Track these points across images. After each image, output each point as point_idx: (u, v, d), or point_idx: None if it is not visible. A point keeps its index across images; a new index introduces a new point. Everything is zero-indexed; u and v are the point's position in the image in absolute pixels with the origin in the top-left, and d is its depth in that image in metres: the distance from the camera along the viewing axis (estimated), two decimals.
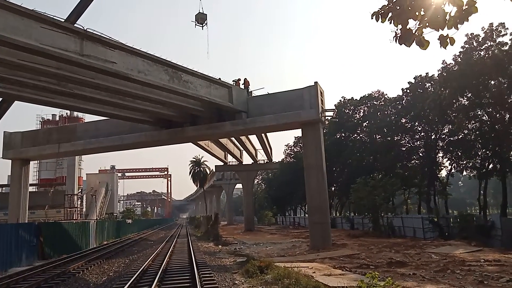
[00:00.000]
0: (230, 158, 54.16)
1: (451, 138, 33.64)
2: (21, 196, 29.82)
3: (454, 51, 29.85)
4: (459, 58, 27.96)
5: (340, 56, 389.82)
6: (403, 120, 37.16)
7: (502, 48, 25.80)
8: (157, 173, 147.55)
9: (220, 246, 26.93)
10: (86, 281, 14.12)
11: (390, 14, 4.62)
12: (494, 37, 26.48)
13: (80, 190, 63.05)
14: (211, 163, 75.19)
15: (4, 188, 53.91)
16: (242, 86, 26.12)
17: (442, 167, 37.44)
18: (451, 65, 29.02)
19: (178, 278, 12.97)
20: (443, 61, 29.85)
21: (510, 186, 47.63)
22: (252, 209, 56.14)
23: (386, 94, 42.92)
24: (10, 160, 30.70)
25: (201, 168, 58.41)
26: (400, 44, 4.68)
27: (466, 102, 28.62)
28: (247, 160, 54.06)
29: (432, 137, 35.65)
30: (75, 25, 16.21)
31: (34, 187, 57.77)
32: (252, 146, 49.25)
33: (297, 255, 20.09)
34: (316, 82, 23.66)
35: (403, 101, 37.66)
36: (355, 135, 44.38)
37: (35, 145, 29.98)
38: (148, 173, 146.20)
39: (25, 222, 27.84)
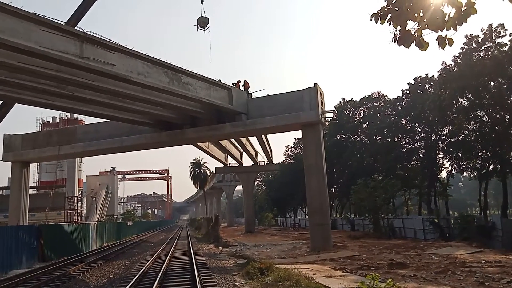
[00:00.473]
0: (230, 160, 54.16)
1: (451, 139, 33.66)
2: (21, 199, 29.80)
3: (453, 52, 29.88)
4: (458, 59, 27.99)
5: (340, 58, 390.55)
6: (403, 121, 37.20)
7: (502, 49, 25.82)
8: (158, 175, 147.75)
9: (220, 248, 26.90)
10: (87, 283, 14.10)
11: (389, 16, 4.63)
12: (494, 38, 26.52)
13: (80, 192, 62.98)
14: (211, 165, 74.88)
15: (4, 191, 53.90)
16: (242, 88, 26.14)
17: (442, 168, 37.49)
18: (450, 66, 29.07)
19: (179, 280, 12.94)
20: (443, 62, 30.00)
21: (511, 187, 47.59)
22: (253, 211, 56.10)
23: (386, 95, 43.04)
24: (10, 163, 30.73)
25: (201, 170, 58.45)
26: (400, 45, 4.69)
27: (466, 103, 28.64)
28: (247, 161, 54.13)
29: (432, 138, 35.67)
30: (75, 28, 16.24)
31: (35, 189, 57.77)
32: (252, 147, 49.25)
33: (297, 257, 20.06)
34: (316, 83, 23.68)
35: (403, 102, 37.70)
36: (355, 136, 44.41)
37: (35, 148, 29.98)
38: (149, 175, 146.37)
39: (26, 225, 27.81)
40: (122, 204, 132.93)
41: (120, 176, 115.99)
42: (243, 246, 27.68)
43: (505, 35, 26.12)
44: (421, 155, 37.44)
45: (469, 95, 28.02)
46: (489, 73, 26.11)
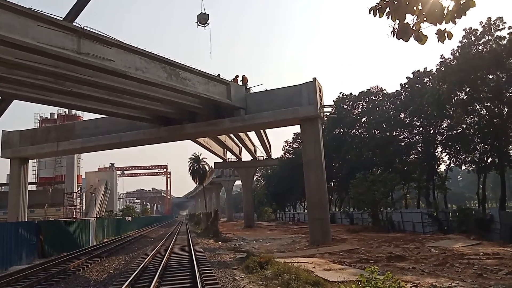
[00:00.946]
0: (229, 155, 54.15)
1: (450, 133, 33.73)
2: (21, 195, 29.81)
3: (452, 46, 29.87)
4: (457, 53, 27.95)
5: (338, 52, 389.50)
6: (402, 115, 37.24)
7: (500, 42, 25.80)
8: (157, 170, 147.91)
9: (220, 242, 26.99)
10: (87, 278, 14.15)
11: (387, 9, 4.60)
12: (492, 31, 26.47)
13: (79, 188, 63.07)
14: (210, 160, 74.97)
15: (3, 187, 53.86)
16: (240, 83, 26.08)
17: (441, 162, 37.58)
18: (449, 59, 29.03)
19: (179, 274, 13.00)
20: (441, 55, 29.93)
21: (509, 180, 47.79)
22: (252, 206, 56.23)
23: (385, 90, 43.03)
24: (9, 159, 30.69)
25: (200, 165, 58.37)
26: (398, 39, 4.67)
27: (465, 97, 28.66)
28: (246, 156, 54.12)
29: (431, 132, 35.74)
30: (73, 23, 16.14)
31: (34, 185, 57.68)
32: (251, 142, 49.24)
33: (297, 251, 20.16)
34: (315, 78, 23.64)
35: (402, 96, 37.71)
36: (354, 130, 44.44)
37: (34, 144, 29.94)
38: (148, 171, 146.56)
39: (25, 221, 27.84)
40: (121, 200, 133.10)
41: (119, 172, 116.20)
42: (243, 241, 27.78)
43: (504, 28, 26.10)
44: (419, 149, 37.52)
45: (468, 89, 28.02)
46: (487, 67, 26.10)
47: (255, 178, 74.55)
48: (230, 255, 18.64)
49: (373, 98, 42.74)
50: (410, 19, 4.56)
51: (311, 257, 16.71)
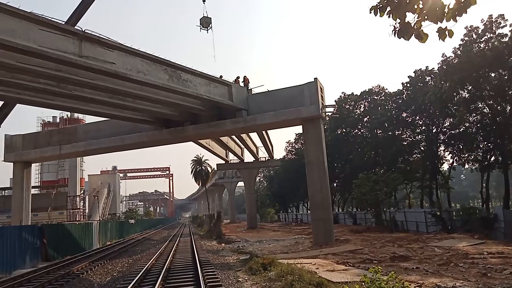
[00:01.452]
0: (231, 156, 54.18)
1: (452, 132, 33.61)
2: (24, 199, 29.89)
3: (454, 44, 29.80)
4: (458, 51, 27.86)
5: (339, 52, 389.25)
6: (404, 115, 37.12)
7: (502, 40, 25.70)
8: (159, 172, 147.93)
9: (223, 244, 26.98)
10: (90, 281, 14.16)
11: (388, 8, 4.59)
12: (494, 29, 26.38)
13: (82, 192, 63.14)
14: (213, 161, 75.61)
15: (6, 191, 54.03)
16: (242, 84, 26.08)
17: (443, 161, 37.46)
18: (451, 58, 28.93)
19: (182, 276, 13.00)
20: (443, 54, 29.77)
21: None
22: (255, 207, 56.20)
23: (387, 89, 42.84)
24: (12, 163, 30.78)
25: (203, 167, 58.48)
26: (399, 38, 4.66)
27: (467, 95, 28.57)
28: (248, 158, 54.14)
29: (433, 131, 35.61)
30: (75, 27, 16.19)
31: (37, 189, 57.88)
32: (253, 143, 49.24)
33: (300, 252, 20.12)
34: (316, 78, 23.61)
35: (404, 96, 37.60)
36: (356, 130, 44.32)
37: (36, 148, 30.02)
38: (150, 173, 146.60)
39: (28, 225, 27.91)
40: (124, 202, 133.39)
41: (121, 175, 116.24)
42: (246, 242, 27.76)
43: (506, 25, 26.01)
44: (422, 148, 37.40)
45: (470, 87, 27.94)
46: (489, 65, 25.99)
47: (257, 179, 74.52)
48: (233, 257, 18.62)
49: (375, 97, 42.63)
50: (411, 17, 4.55)
51: (314, 258, 16.67)
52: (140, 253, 23.56)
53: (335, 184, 47.25)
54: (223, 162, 54.24)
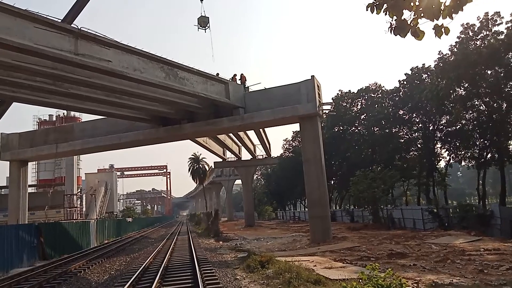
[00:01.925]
0: (228, 154, 54.14)
1: (449, 129, 33.73)
2: (20, 197, 29.78)
3: (450, 42, 29.86)
4: (455, 48, 27.95)
5: (336, 49, 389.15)
6: (401, 112, 37.21)
7: (498, 37, 25.80)
8: (156, 171, 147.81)
9: (221, 242, 27.00)
10: (88, 280, 14.14)
11: (385, 6, 4.59)
12: (490, 26, 26.47)
13: (79, 190, 62.90)
14: (210, 159, 75.19)
15: (3, 190, 53.81)
16: (238, 82, 26.04)
17: (440, 158, 37.59)
18: (447, 55, 29.02)
19: (180, 275, 13.00)
20: (439, 51, 29.88)
21: (509, 175, 47.83)
22: (252, 205, 56.24)
23: (383, 86, 42.92)
24: (8, 162, 30.65)
25: (200, 165, 58.34)
26: (395, 35, 4.66)
27: (463, 92, 28.67)
28: (245, 156, 54.11)
29: (430, 128, 35.72)
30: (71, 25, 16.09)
31: (33, 188, 57.68)
32: (250, 141, 49.21)
33: (297, 249, 20.16)
34: (313, 75, 23.63)
35: (400, 93, 37.68)
36: (353, 128, 44.40)
37: (33, 146, 29.90)
38: (147, 171, 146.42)
39: (25, 223, 27.83)
40: (122, 201, 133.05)
41: (119, 173, 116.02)
42: (243, 240, 27.79)
43: (501, 23, 26.10)
44: (419, 146, 37.51)
45: (466, 84, 28.03)
46: (485, 62, 26.09)
47: (255, 177, 74.53)
48: (231, 255, 18.64)
49: (372, 95, 42.70)
50: (407, 15, 4.55)
51: (312, 256, 16.71)
52: (137, 252, 23.54)
53: (332, 182, 47.33)
54: (221, 160, 54.19)
